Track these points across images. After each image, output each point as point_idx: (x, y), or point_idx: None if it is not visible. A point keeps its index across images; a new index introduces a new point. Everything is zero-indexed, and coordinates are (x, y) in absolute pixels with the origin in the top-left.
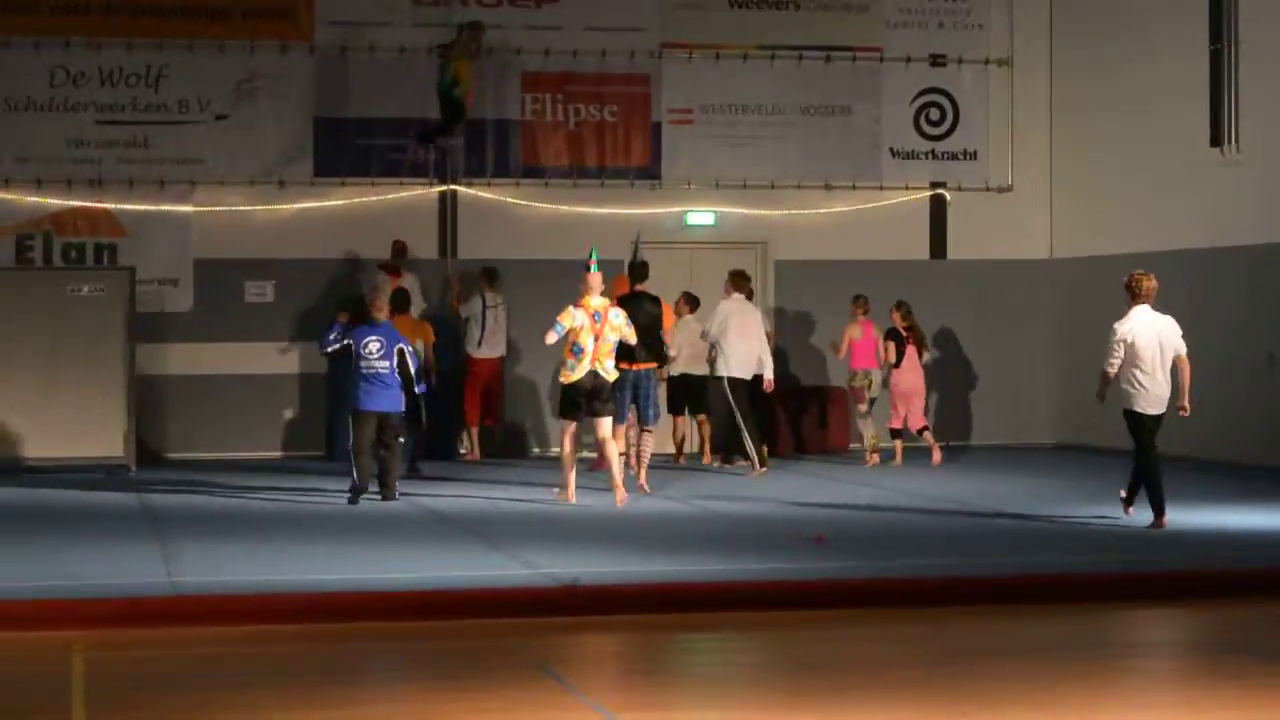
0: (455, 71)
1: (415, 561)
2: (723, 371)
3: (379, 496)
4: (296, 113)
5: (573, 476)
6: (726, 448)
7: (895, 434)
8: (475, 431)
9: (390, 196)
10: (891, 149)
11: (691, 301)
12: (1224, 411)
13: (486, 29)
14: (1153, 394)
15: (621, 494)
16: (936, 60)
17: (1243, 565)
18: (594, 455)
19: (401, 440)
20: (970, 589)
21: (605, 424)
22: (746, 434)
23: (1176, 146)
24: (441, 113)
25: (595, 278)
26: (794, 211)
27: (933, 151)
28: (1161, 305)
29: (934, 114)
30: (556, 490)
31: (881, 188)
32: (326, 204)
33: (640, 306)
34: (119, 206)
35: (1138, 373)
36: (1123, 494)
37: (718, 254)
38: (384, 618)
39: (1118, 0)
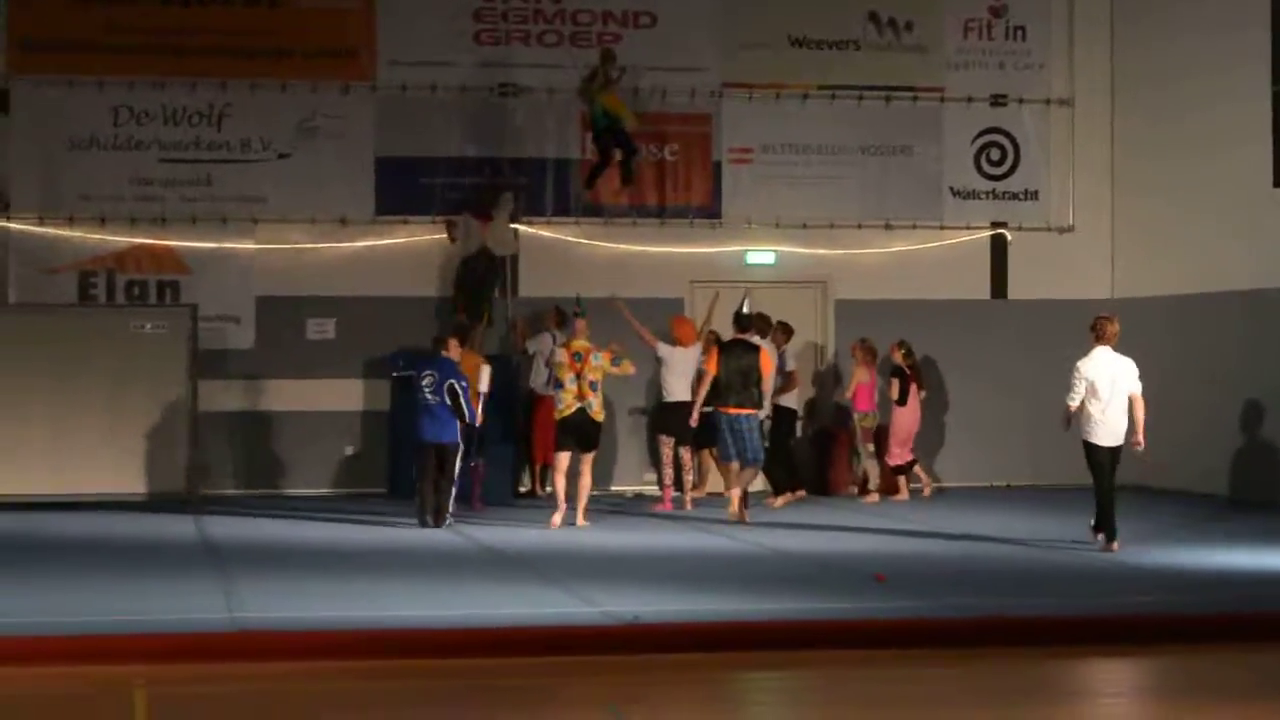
0: (605, 105)
1: (475, 598)
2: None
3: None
4: (358, 151)
5: (563, 501)
6: (776, 485)
7: (899, 470)
8: (538, 469)
9: None
10: (952, 188)
11: (787, 331)
12: None
13: (615, 56)
14: (1107, 427)
15: (581, 520)
16: (997, 100)
17: None
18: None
19: (457, 470)
20: (1033, 628)
21: (586, 459)
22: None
23: (1238, 188)
24: (604, 148)
25: (580, 323)
26: (854, 251)
27: (993, 191)
28: (1220, 346)
29: (995, 154)
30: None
31: (942, 227)
32: (387, 242)
33: (735, 353)
34: (182, 244)
35: (1095, 407)
36: (1090, 523)
37: (777, 293)
38: (444, 654)
39: (1179, 41)
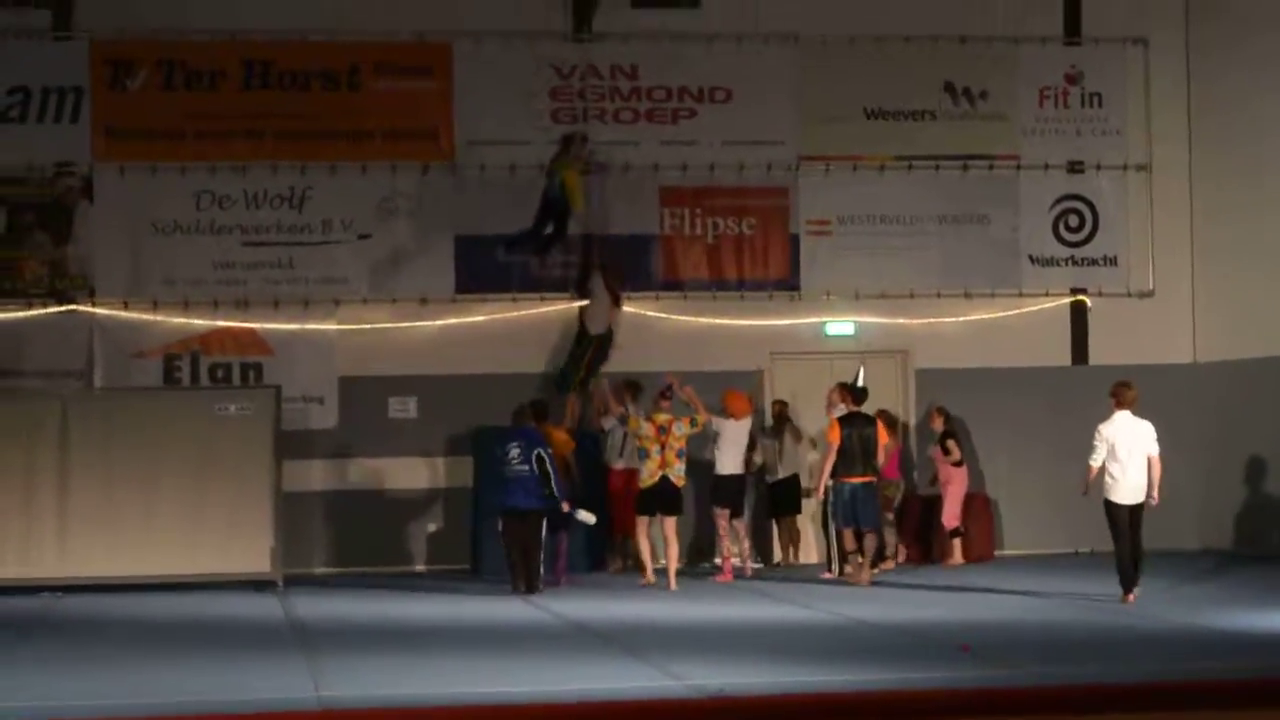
0: (564, 180)
1: (561, 673)
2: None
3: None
4: (437, 231)
5: (648, 562)
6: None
7: (955, 533)
8: (618, 541)
9: (531, 311)
10: (1030, 256)
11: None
12: None
13: (590, 141)
14: (1126, 486)
15: (673, 584)
16: (1074, 167)
17: None
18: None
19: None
20: (1115, 696)
21: (670, 523)
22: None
23: None
24: (540, 217)
25: (666, 404)
26: (933, 320)
27: (1072, 258)
28: None
29: (1073, 220)
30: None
31: (1021, 294)
32: (468, 320)
33: (856, 424)
34: (265, 326)
35: (1115, 468)
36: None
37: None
38: None
39: (1257, 103)
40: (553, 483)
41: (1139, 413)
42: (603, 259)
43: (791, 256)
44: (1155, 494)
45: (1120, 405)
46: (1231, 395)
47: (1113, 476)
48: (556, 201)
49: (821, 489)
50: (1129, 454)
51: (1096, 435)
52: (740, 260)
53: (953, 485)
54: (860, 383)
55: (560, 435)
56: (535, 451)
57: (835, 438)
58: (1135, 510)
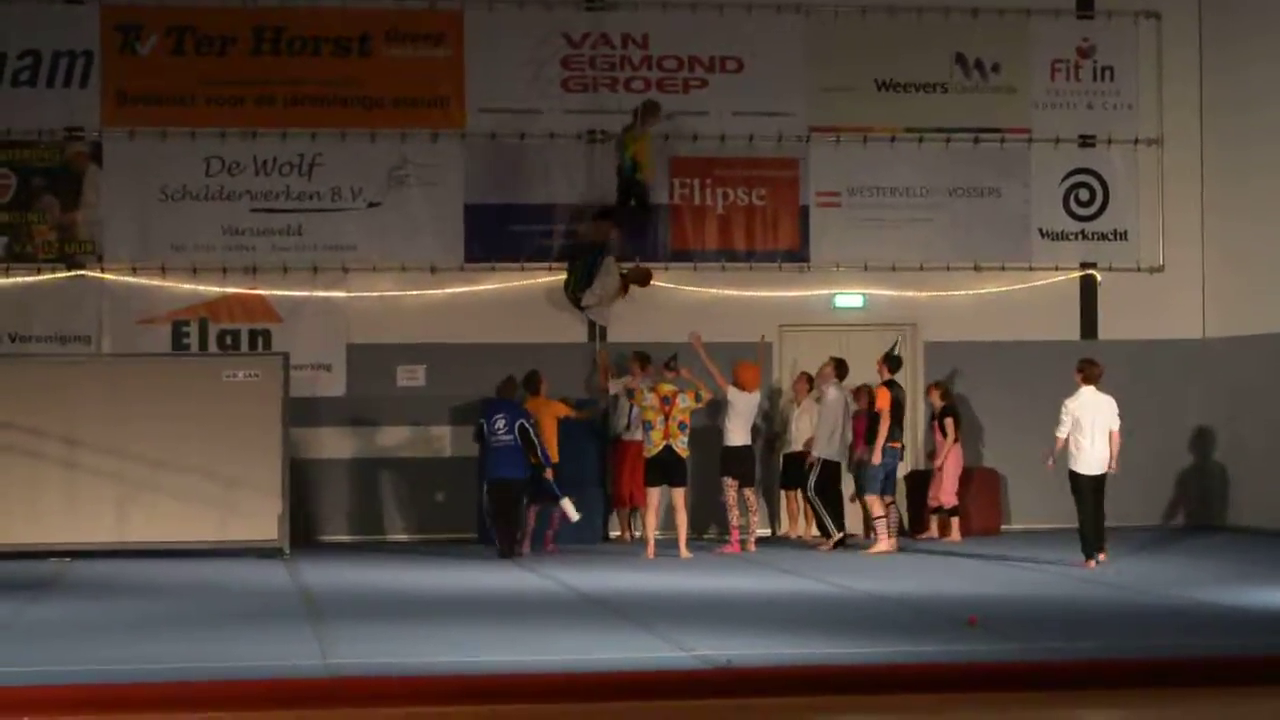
0: (635, 154)
1: (568, 643)
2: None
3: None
4: (447, 199)
5: (653, 535)
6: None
7: (953, 511)
8: (625, 513)
9: (540, 280)
10: (1041, 230)
11: (810, 381)
12: None
13: (663, 109)
14: (1091, 457)
15: (684, 552)
16: (1086, 141)
17: None
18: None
19: (532, 508)
20: (1121, 671)
21: (678, 493)
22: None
23: None
24: (622, 195)
25: (671, 375)
26: (943, 293)
27: (1082, 232)
28: None
29: (1083, 194)
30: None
31: (1031, 268)
32: (477, 289)
33: (898, 393)
34: (273, 293)
35: (1082, 440)
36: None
37: (867, 336)
38: (538, 699)
39: (1270, 78)
40: (538, 451)
41: (1103, 388)
42: (634, 272)
43: (801, 228)
44: (1114, 464)
45: (1086, 381)
46: (1239, 370)
47: (1078, 447)
48: (629, 178)
49: (878, 456)
50: (1093, 427)
51: (1063, 409)
52: (750, 231)
53: (949, 463)
54: (896, 352)
55: (556, 407)
56: (518, 423)
57: (886, 404)
58: (1099, 480)
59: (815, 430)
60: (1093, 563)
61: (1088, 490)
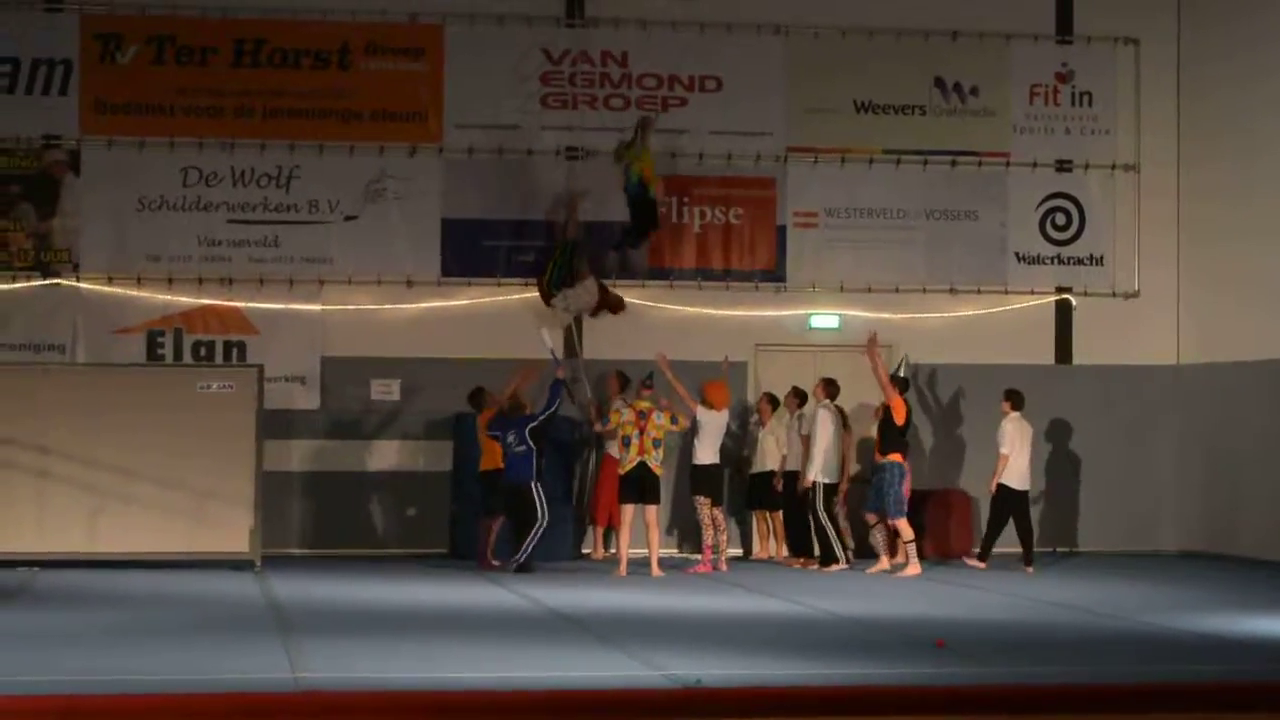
0: (642, 171)
1: (538, 660)
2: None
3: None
4: (425, 214)
5: (625, 556)
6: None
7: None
8: (600, 531)
9: (515, 297)
10: (1017, 253)
11: (773, 402)
12: None
13: (656, 120)
14: (1020, 474)
15: (655, 570)
16: (1063, 165)
17: None
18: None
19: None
20: (1090, 695)
21: (651, 511)
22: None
23: None
24: (635, 216)
25: (647, 392)
26: (919, 315)
27: (1059, 256)
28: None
29: (1060, 219)
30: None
31: (1006, 292)
32: (452, 304)
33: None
34: (249, 305)
35: (1016, 459)
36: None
37: (842, 357)
38: (507, 716)
39: (1247, 106)
40: (550, 405)
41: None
42: (610, 295)
43: (778, 248)
44: (994, 484)
45: (1014, 408)
46: (1213, 396)
47: (1015, 467)
48: (638, 197)
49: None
50: (1022, 448)
51: (1004, 431)
52: (727, 250)
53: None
54: (903, 372)
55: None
56: (527, 429)
57: (903, 418)
58: (1024, 495)
59: (809, 451)
60: (985, 564)
61: (1023, 503)
